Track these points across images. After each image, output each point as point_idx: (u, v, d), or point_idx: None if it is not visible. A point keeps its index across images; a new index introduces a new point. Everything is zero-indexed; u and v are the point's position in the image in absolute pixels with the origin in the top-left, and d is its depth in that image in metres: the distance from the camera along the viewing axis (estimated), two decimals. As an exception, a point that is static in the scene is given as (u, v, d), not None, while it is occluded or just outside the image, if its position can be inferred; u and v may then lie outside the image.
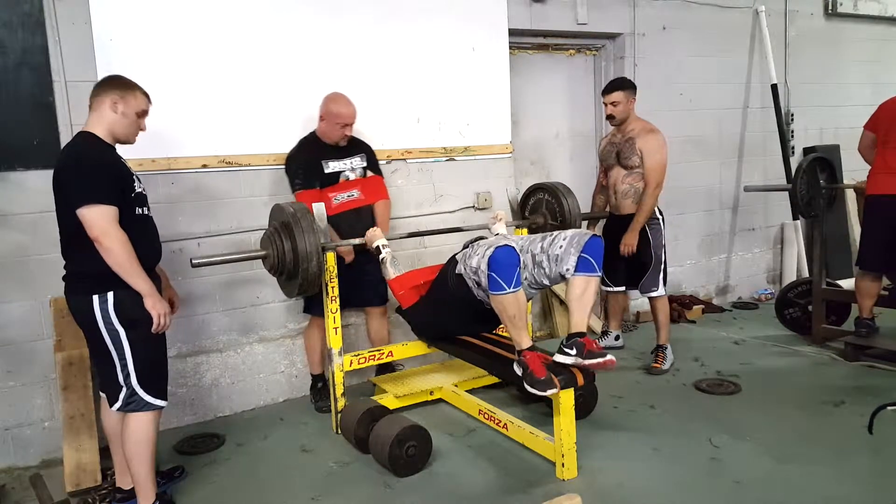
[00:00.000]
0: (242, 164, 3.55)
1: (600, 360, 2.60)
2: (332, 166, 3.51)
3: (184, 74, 3.33)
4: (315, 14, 3.67)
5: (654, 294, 4.01)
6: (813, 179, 4.29)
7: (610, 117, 3.95)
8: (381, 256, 3.24)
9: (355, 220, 3.49)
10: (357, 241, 3.29)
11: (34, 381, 3.14)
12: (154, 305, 2.41)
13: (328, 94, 3.51)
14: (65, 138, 3.09)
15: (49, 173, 3.01)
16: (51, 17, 3.04)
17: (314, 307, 3.53)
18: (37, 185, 3.06)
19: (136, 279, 2.37)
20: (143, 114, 2.53)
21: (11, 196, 3.03)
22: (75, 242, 2.38)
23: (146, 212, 2.57)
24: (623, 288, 4.21)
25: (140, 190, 2.54)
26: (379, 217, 3.61)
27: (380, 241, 3.24)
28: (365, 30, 3.82)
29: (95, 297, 2.36)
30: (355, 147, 3.61)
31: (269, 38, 3.56)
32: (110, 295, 2.37)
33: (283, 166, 3.58)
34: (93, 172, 2.34)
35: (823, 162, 4.38)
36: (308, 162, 3.46)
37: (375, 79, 3.84)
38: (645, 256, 3.95)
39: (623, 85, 3.92)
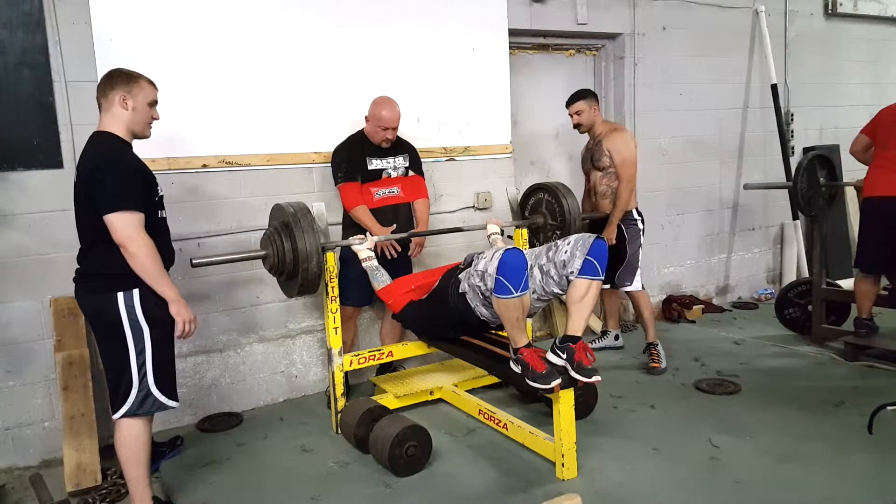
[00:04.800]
0: (242, 164, 3.55)
1: (586, 379, 2.61)
2: (375, 164, 3.60)
3: (184, 74, 3.34)
4: (314, 14, 3.67)
5: (628, 288, 4.09)
6: (813, 177, 4.29)
7: (577, 126, 4.07)
8: (364, 264, 3.24)
9: (394, 216, 3.61)
10: (356, 241, 3.28)
11: (34, 381, 3.13)
12: (179, 312, 2.42)
13: (377, 97, 3.57)
14: (65, 138, 3.10)
15: (49, 173, 3.07)
16: (51, 17, 3.04)
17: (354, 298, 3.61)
18: (37, 185, 3.06)
19: (162, 284, 2.37)
20: (153, 103, 2.51)
21: (11, 196, 3.03)
22: (99, 243, 2.34)
23: (164, 214, 2.57)
24: (608, 285, 4.21)
25: (162, 193, 2.54)
26: (418, 215, 3.73)
27: (363, 253, 3.24)
28: (364, 30, 3.81)
29: (120, 295, 2.35)
30: (399, 147, 3.70)
31: (268, 38, 3.56)
32: (136, 292, 2.36)
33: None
34: (123, 178, 2.32)
35: (823, 160, 4.38)
36: (352, 157, 3.56)
37: (375, 79, 3.83)
38: (620, 251, 4.00)
39: (584, 95, 4.04)
